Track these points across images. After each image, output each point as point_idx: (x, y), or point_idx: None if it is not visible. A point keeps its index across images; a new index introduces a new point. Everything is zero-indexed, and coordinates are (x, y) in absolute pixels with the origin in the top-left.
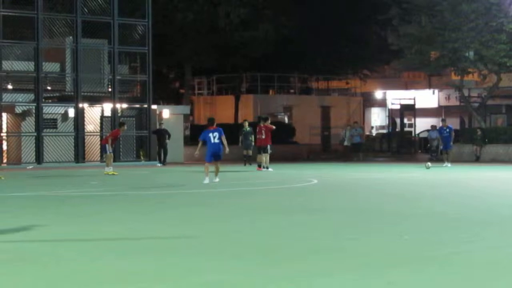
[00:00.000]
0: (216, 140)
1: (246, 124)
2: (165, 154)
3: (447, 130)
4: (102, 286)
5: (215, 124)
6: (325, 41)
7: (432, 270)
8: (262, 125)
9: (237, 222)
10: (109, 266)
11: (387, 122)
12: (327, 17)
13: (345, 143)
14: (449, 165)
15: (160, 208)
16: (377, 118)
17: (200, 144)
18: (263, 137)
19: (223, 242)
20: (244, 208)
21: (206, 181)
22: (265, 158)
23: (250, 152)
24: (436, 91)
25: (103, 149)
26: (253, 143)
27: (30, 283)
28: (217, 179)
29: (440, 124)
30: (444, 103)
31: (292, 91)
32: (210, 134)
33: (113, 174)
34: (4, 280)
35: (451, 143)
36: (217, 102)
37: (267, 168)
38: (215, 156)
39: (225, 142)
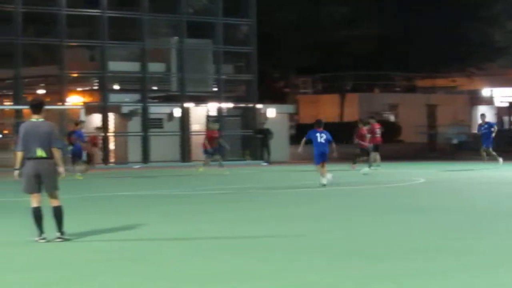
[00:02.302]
0: (323, 140)
1: (360, 123)
2: (269, 153)
3: (486, 126)
4: (205, 285)
5: (322, 126)
6: (429, 38)
7: None
8: (363, 127)
9: (341, 221)
10: (211, 265)
11: (495, 120)
12: (430, 15)
13: (453, 141)
14: (499, 162)
15: (263, 207)
16: None
17: (303, 142)
18: (377, 135)
19: (327, 241)
20: (349, 207)
21: (324, 181)
22: (377, 157)
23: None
24: None
25: (204, 153)
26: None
27: (135, 282)
28: (324, 181)
29: (480, 121)
30: None
31: (397, 89)
32: (318, 134)
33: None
34: (109, 279)
35: (491, 140)
36: (321, 101)
37: (377, 167)
38: (323, 156)
39: (333, 146)
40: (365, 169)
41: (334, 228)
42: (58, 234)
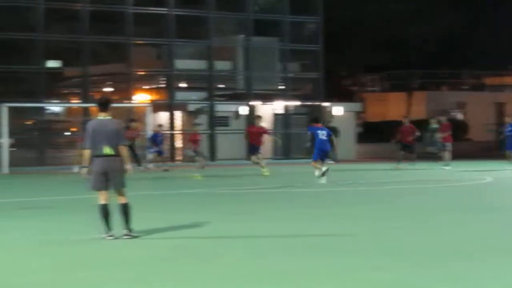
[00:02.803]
0: (324, 137)
1: (433, 121)
2: (335, 151)
3: (511, 128)
4: (267, 284)
5: (321, 122)
6: (496, 35)
7: None
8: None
9: (407, 220)
10: (272, 264)
11: None
12: (500, 12)
13: None
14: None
15: (327, 205)
16: None
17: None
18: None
19: (391, 240)
20: (415, 207)
21: (317, 173)
22: (446, 155)
23: (435, 150)
24: None
25: (255, 150)
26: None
27: (199, 280)
28: (324, 180)
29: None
30: None
31: (464, 87)
32: (319, 131)
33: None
34: (174, 276)
35: None
36: (389, 99)
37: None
38: (325, 154)
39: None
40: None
41: (398, 227)
42: (125, 231)
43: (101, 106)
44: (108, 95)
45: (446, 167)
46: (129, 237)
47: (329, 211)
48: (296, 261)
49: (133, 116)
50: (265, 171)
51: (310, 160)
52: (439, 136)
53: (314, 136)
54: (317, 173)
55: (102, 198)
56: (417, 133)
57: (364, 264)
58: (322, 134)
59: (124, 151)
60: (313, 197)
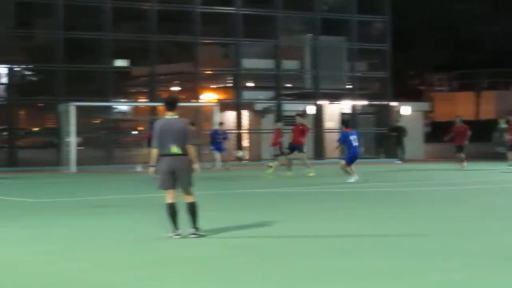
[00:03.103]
0: (357, 143)
1: (502, 121)
2: (403, 151)
3: None
4: (335, 283)
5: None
6: None
7: None
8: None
9: (479, 221)
10: (344, 264)
11: None
12: None
13: None
14: None
15: (396, 205)
16: None
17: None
18: None
19: (464, 241)
20: (488, 207)
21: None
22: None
23: (503, 150)
24: None
25: (298, 149)
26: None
27: (264, 279)
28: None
29: None
30: None
31: None
32: (351, 137)
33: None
34: (232, 275)
35: None
36: (457, 98)
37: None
38: (356, 158)
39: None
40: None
41: (469, 228)
42: (192, 230)
43: (168, 105)
44: (175, 94)
45: (511, 167)
46: (195, 236)
47: (398, 211)
48: (359, 260)
49: (198, 118)
50: (310, 172)
51: (341, 161)
52: (508, 136)
53: (346, 143)
54: (352, 179)
55: (169, 197)
56: (469, 133)
57: (434, 265)
58: (354, 140)
59: (192, 150)
60: (380, 197)
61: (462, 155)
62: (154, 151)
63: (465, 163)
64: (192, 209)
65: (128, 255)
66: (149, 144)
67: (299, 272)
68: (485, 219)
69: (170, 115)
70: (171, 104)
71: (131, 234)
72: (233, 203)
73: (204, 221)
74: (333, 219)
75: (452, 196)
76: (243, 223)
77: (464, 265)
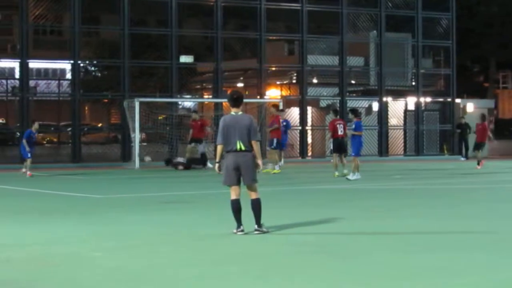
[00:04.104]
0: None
1: None
2: (467, 148)
3: None
4: (401, 280)
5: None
6: None
7: None
8: None
9: None
10: (408, 260)
11: None
12: None
13: None
14: None
15: (463, 202)
16: None
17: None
18: None
19: None
20: None
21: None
22: None
23: None
24: None
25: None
26: None
27: (329, 275)
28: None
29: None
30: None
31: None
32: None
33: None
34: (295, 271)
35: None
36: None
37: None
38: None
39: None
40: None
41: None
42: (256, 227)
43: (233, 101)
44: (240, 90)
45: None
46: (259, 232)
47: (457, 210)
48: (425, 258)
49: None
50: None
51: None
52: None
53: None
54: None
55: (233, 193)
56: None
57: (495, 263)
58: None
59: (256, 146)
60: (444, 194)
61: None
62: (219, 148)
63: None
64: (256, 205)
65: (192, 252)
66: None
67: (364, 269)
68: None
69: (235, 112)
70: (236, 101)
71: (195, 231)
72: (301, 199)
73: (269, 218)
74: (398, 216)
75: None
76: (308, 220)
77: None
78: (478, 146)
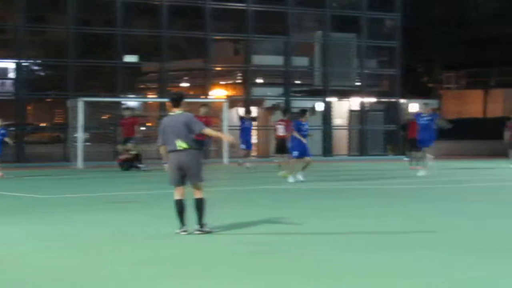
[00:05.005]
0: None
1: None
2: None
3: None
4: (348, 278)
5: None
6: None
7: None
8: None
9: (481, 218)
10: (359, 260)
11: None
12: None
13: None
14: None
15: (410, 202)
16: None
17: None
18: None
19: (473, 238)
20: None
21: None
22: None
23: None
24: None
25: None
26: None
27: (273, 274)
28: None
29: None
30: None
31: None
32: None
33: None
34: (238, 271)
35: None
36: (465, 96)
37: None
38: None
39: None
40: None
41: (476, 226)
42: (198, 227)
43: (173, 101)
44: (184, 90)
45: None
46: (201, 232)
47: (409, 209)
48: (376, 257)
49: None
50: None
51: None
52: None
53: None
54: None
55: (177, 193)
56: None
57: (445, 262)
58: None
59: (209, 131)
60: (389, 195)
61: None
62: (161, 148)
63: None
64: (200, 205)
65: (130, 252)
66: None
67: (310, 268)
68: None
69: (175, 111)
70: (176, 100)
71: (138, 230)
72: (248, 200)
73: (214, 218)
74: (349, 216)
75: (458, 193)
76: (256, 219)
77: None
78: (412, 143)
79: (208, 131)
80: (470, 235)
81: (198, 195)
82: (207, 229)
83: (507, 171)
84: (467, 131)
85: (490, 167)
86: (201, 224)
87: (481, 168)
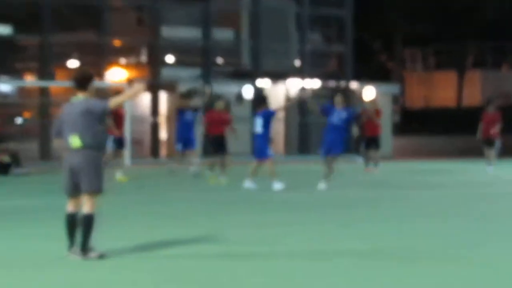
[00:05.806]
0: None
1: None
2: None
3: None
4: None
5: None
6: None
7: None
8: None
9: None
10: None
11: None
12: None
13: None
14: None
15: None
16: None
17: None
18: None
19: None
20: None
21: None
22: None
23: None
24: None
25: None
26: None
27: None
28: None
29: None
30: None
31: None
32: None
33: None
34: None
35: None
36: (434, 79)
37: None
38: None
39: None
40: None
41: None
42: (78, 250)
43: (76, 82)
44: (74, 71)
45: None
46: (82, 258)
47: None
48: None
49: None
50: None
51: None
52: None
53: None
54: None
55: (69, 205)
56: (499, 124)
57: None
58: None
59: (116, 100)
60: (344, 204)
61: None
62: (54, 143)
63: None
64: (87, 222)
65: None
66: None
67: None
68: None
69: (78, 96)
70: (79, 81)
71: (22, 253)
72: (146, 213)
73: (109, 237)
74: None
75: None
76: (159, 239)
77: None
78: (368, 141)
79: (115, 101)
80: None
81: (87, 209)
82: (93, 255)
83: (479, 175)
84: (436, 125)
85: (459, 169)
86: (84, 248)
87: (445, 171)
